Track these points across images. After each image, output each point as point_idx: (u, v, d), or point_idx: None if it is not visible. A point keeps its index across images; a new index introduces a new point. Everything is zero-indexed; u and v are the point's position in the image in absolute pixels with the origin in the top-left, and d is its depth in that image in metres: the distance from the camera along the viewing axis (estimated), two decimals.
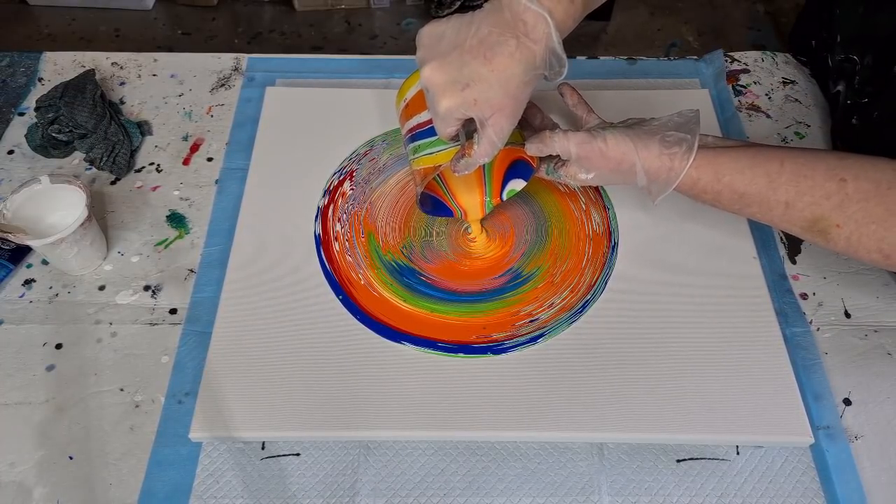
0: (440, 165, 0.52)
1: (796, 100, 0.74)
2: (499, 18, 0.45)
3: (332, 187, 0.64)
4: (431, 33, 0.48)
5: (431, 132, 0.52)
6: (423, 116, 0.53)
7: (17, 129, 0.70)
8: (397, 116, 0.57)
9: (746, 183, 0.48)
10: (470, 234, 0.61)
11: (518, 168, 0.58)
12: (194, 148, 0.69)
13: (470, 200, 0.60)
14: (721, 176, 0.48)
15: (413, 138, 0.55)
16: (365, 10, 1.61)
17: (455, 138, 0.51)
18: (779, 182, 0.47)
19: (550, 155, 0.53)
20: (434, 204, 0.59)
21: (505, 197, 0.59)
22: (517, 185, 0.58)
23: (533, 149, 0.52)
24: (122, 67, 0.76)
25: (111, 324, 0.57)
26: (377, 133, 0.68)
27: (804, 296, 0.59)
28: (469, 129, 0.50)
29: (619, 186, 0.62)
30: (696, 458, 0.51)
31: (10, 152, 0.69)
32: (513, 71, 0.45)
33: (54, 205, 0.59)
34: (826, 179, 0.46)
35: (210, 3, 1.63)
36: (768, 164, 0.48)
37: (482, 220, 0.61)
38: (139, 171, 0.67)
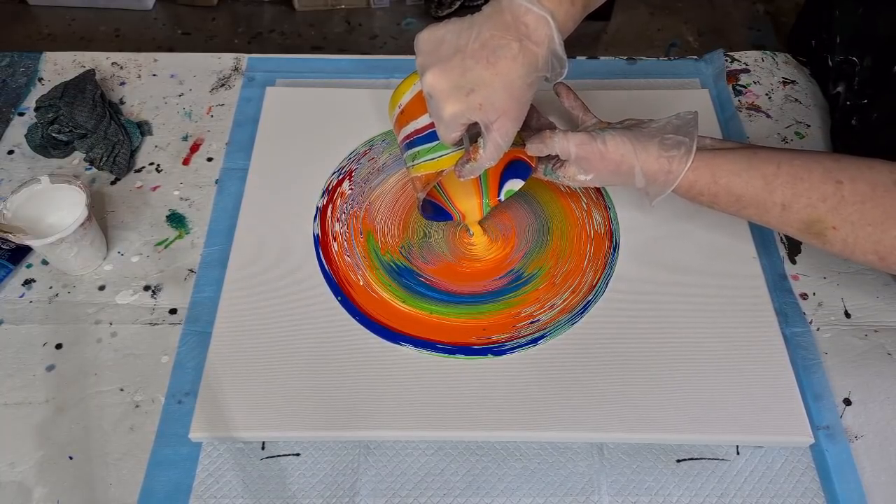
0: (443, 171, 0.52)
1: (796, 100, 0.74)
2: (499, 21, 0.45)
3: (330, 187, 0.64)
4: (430, 38, 0.47)
5: (431, 137, 0.52)
6: (420, 122, 0.53)
7: (17, 129, 0.70)
8: (391, 123, 0.57)
9: (743, 185, 0.48)
10: (471, 236, 0.61)
11: (516, 168, 0.57)
12: (194, 148, 0.69)
13: (468, 203, 0.60)
14: (718, 178, 0.49)
15: (411, 144, 0.54)
16: (365, 10, 1.61)
17: (458, 143, 0.51)
18: (775, 184, 0.47)
19: (549, 155, 0.53)
20: (434, 209, 0.59)
21: (503, 197, 0.58)
22: (515, 184, 0.58)
23: (533, 149, 0.52)
24: (122, 67, 0.76)
25: (111, 324, 0.57)
26: (377, 133, 0.68)
27: (804, 296, 0.59)
28: (472, 133, 0.50)
29: (620, 187, 0.62)
30: (696, 458, 0.51)
31: (10, 152, 0.69)
32: (516, 74, 0.45)
33: (54, 205, 0.59)
34: (822, 182, 0.46)
35: (210, 3, 1.63)
36: (765, 167, 0.48)
37: (482, 221, 0.61)
38: (139, 171, 0.67)
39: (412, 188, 0.57)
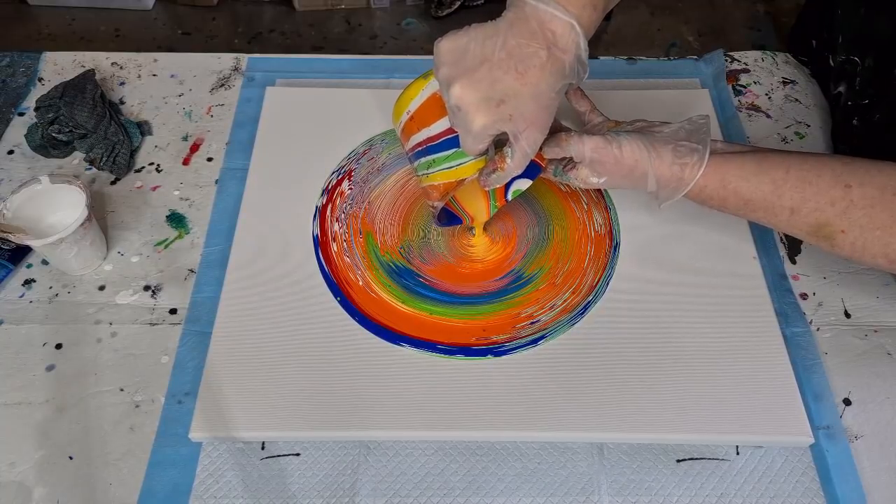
0: (464, 180, 0.51)
1: (796, 100, 0.74)
2: (524, 28, 0.44)
3: (330, 187, 0.64)
4: (453, 48, 0.46)
5: (447, 145, 0.51)
6: (434, 129, 0.52)
7: (17, 129, 0.70)
8: (397, 129, 0.56)
9: (752, 189, 0.48)
10: (472, 236, 0.61)
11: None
12: (194, 148, 0.69)
13: (476, 206, 0.59)
14: (727, 183, 0.49)
15: (424, 152, 0.53)
16: (365, 10, 1.61)
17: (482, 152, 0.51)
18: (784, 189, 0.47)
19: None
20: (447, 216, 0.59)
21: (510, 197, 0.58)
22: (523, 184, 0.57)
23: (550, 152, 0.52)
24: (122, 67, 0.76)
25: (111, 324, 0.57)
26: (376, 133, 0.68)
27: (804, 296, 0.59)
28: (497, 141, 0.50)
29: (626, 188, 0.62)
30: (696, 458, 0.51)
31: (10, 152, 0.69)
32: (546, 83, 0.45)
33: (54, 205, 0.59)
34: (831, 186, 0.46)
35: (210, 3, 1.63)
36: (774, 171, 0.48)
37: (487, 222, 0.61)
38: (139, 171, 0.68)
39: (425, 197, 0.56)
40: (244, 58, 0.77)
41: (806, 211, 0.47)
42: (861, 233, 0.46)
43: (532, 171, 0.56)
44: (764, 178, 0.48)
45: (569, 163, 0.53)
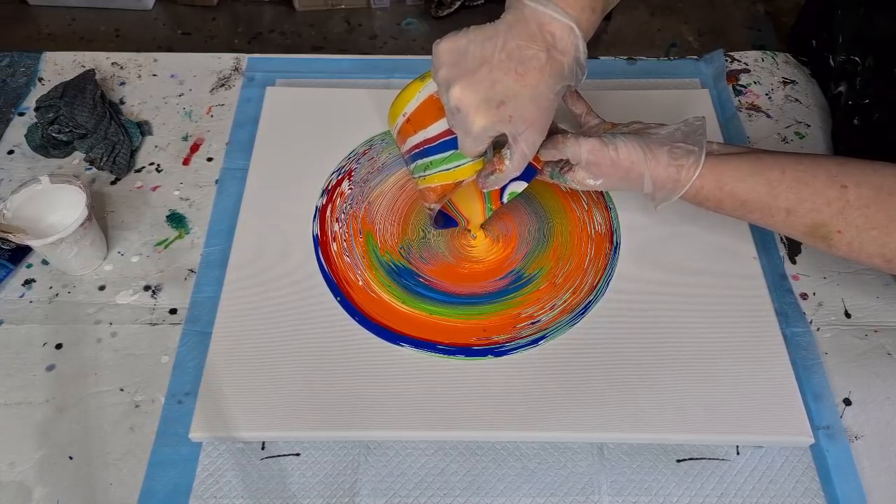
0: (462, 181, 0.52)
1: (796, 100, 0.74)
2: (524, 30, 0.44)
3: (329, 187, 0.64)
4: (452, 49, 0.46)
5: (444, 147, 0.51)
6: (430, 131, 0.52)
7: (17, 129, 0.70)
8: (393, 131, 0.55)
9: (747, 191, 0.48)
10: (473, 238, 0.61)
11: None
12: (194, 148, 0.69)
13: (471, 208, 0.59)
14: (723, 184, 0.49)
15: (421, 154, 0.53)
16: (365, 10, 1.61)
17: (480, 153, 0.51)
18: (779, 189, 0.47)
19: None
20: (443, 218, 0.59)
21: (506, 200, 0.58)
22: (518, 187, 0.57)
23: (546, 154, 0.52)
24: (122, 67, 0.76)
25: (111, 324, 0.57)
26: (376, 133, 0.68)
27: (804, 296, 0.59)
28: (494, 142, 0.50)
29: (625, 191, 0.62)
30: (696, 458, 0.51)
31: (10, 152, 0.69)
32: (545, 85, 0.45)
33: (54, 205, 0.59)
34: (827, 186, 0.46)
35: (210, 3, 1.63)
36: (769, 172, 0.48)
37: (483, 225, 0.61)
38: (139, 171, 0.68)
39: (422, 199, 0.56)
40: (244, 58, 0.77)
41: (802, 211, 0.47)
42: (857, 233, 0.46)
43: (528, 173, 0.56)
44: (759, 179, 0.48)
45: (565, 165, 0.53)
